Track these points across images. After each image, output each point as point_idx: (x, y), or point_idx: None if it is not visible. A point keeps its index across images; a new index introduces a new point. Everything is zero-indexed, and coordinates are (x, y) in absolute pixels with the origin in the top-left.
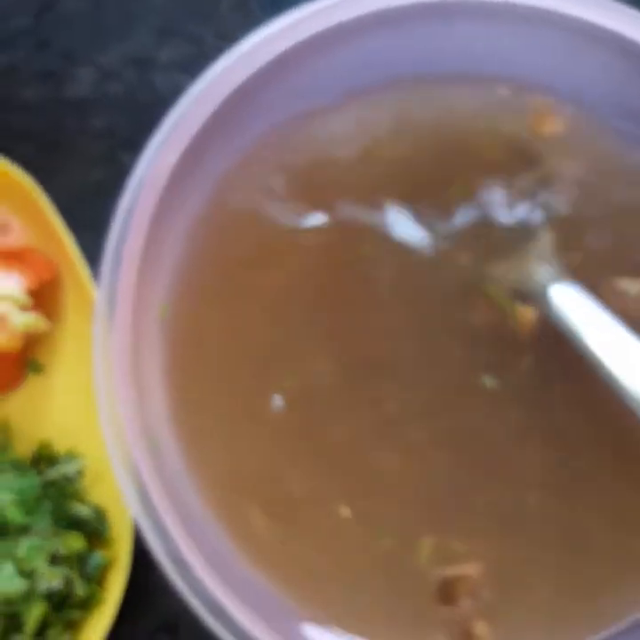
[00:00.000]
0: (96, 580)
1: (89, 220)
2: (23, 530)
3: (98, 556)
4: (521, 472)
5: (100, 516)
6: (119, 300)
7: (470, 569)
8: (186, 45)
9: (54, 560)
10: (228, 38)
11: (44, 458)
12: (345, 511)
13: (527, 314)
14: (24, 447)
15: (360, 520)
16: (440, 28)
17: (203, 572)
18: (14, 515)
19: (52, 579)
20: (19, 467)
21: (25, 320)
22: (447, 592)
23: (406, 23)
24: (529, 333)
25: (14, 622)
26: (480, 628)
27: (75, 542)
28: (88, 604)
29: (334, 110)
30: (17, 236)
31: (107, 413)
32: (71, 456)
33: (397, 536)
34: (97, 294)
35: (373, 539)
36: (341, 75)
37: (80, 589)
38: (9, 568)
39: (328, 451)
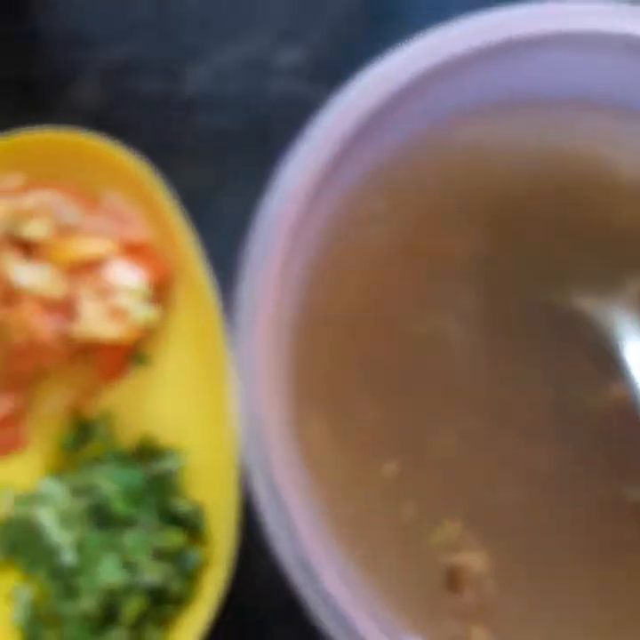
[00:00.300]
0: (192, 576)
1: (194, 220)
2: (127, 522)
3: (195, 553)
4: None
5: (199, 512)
6: (259, 306)
7: (477, 562)
8: (303, 51)
9: (157, 555)
10: (343, 47)
11: (146, 451)
12: (390, 467)
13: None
14: (126, 439)
15: (399, 478)
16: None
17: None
18: (120, 506)
19: (154, 573)
20: (122, 458)
21: (146, 314)
22: (454, 579)
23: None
24: None
25: (112, 614)
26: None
27: (176, 538)
28: (183, 601)
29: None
30: (138, 230)
31: (246, 415)
32: (174, 450)
33: (424, 509)
34: (238, 299)
35: (401, 502)
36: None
37: (177, 586)
38: (112, 559)
39: None
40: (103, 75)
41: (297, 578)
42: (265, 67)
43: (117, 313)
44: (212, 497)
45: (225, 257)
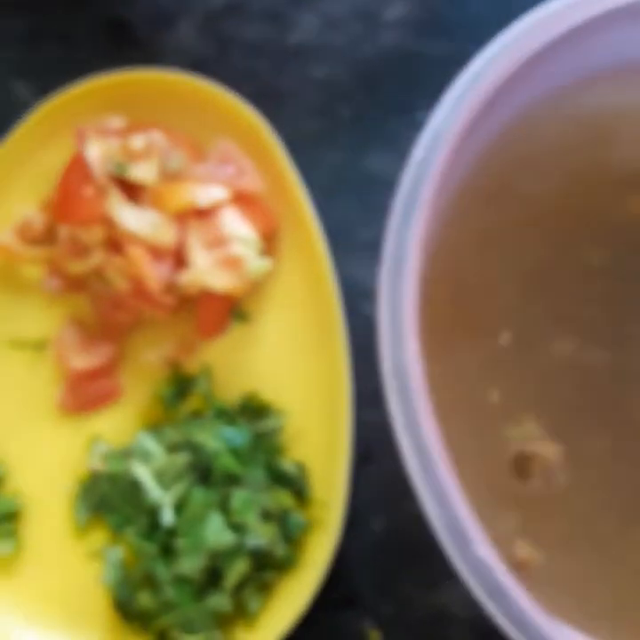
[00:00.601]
0: (295, 541)
1: (300, 169)
2: (234, 481)
3: (299, 517)
4: None
5: (303, 473)
6: (409, 253)
7: (550, 452)
8: (413, 5)
9: (264, 516)
10: (451, 5)
11: (249, 408)
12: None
13: None
14: (226, 395)
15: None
16: None
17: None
18: (229, 463)
19: (260, 535)
20: (224, 415)
21: (260, 265)
22: (523, 466)
23: None
24: None
25: (214, 577)
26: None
27: (285, 499)
28: (286, 567)
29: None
30: (252, 179)
31: (391, 367)
32: (277, 409)
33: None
34: (385, 246)
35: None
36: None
37: (280, 549)
38: (218, 519)
39: None
40: (205, 18)
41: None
42: (373, 18)
43: (230, 263)
44: (315, 458)
45: (326, 210)
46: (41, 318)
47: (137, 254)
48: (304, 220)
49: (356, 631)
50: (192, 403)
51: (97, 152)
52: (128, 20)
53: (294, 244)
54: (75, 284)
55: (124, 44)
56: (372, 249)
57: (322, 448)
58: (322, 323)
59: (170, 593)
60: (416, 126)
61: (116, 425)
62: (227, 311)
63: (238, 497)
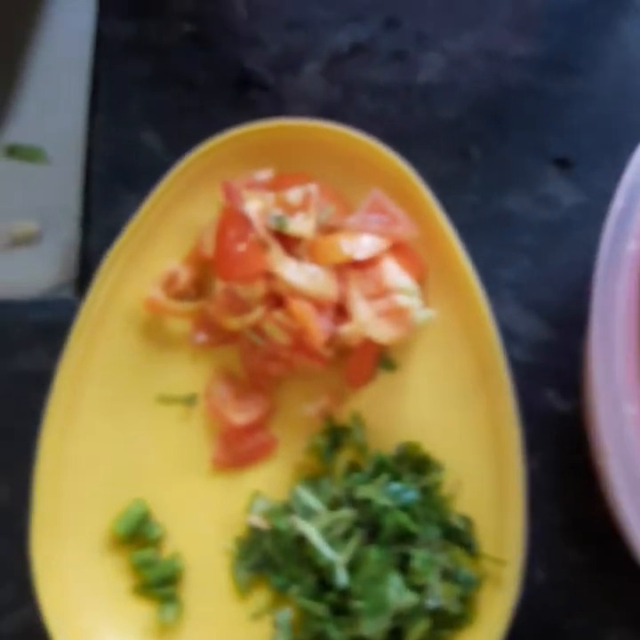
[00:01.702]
0: (467, 598)
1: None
2: (408, 539)
3: (470, 573)
4: None
5: (471, 528)
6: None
7: None
8: (538, 43)
9: (442, 575)
10: (576, 39)
11: (408, 460)
12: None
13: None
14: (377, 446)
15: None
16: None
17: None
18: (404, 521)
19: (443, 595)
20: (384, 468)
21: (425, 315)
22: None
23: None
24: None
25: (395, 638)
26: None
27: (460, 557)
28: (460, 625)
29: None
30: (405, 227)
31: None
32: (437, 461)
33: None
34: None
35: None
36: None
37: (455, 608)
38: (397, 580)
39: None
40: (331, 61)
41: None
42: (497, 55)
43: (394, 314)
44: (479, 510)
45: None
46: (188, 373)
47: (303, 309)
48: (456, 263)
49: None
50: (347, 454)
51: (256, 207)
52: (254, 66)
53: (443, 289)
54: (223, 338)
55: (252, 89)
56: (515, 289)
57: (486, 499)
58: (479, 367)
59: None
60: (550, 165)
61: (271, 480)
62: (376, 360)
63: (419, 557)
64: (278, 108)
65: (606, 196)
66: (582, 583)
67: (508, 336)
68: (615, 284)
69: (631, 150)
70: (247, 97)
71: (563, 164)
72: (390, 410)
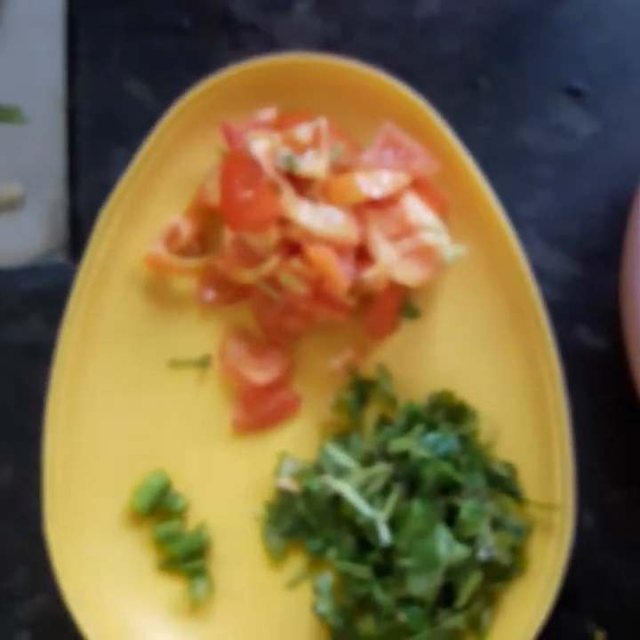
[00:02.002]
0: (517, 548)
1: None
2: (453, 490)
3: (520, 522)
4: None
5: (515, 475)
6: None
7: None
8: None
9: (492, 525)
10: None
11: (442, 410)
12: None
13: None
14: (406, 398)
15: None
16: None
17: None
18: (447, 471)
19: (497, 545)
20: (418, 419)
21: (455, 252)
22: None
23: None
24: None
25: (444, 594)
26: None
27: (508, 505)
28: (511, 576)
29: None
30: (424, 161)
31: None
32: (473, 408)
33: None
34: None
35: None
36: None
37: (506, 559)
38: (445, 533)
39: None
40: None
41: None
42: None
43: (422, 253)
44: (523, 457)
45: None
46: (199, 333)
47: (322, 254)
48: (480, 198)
49: (579, 633)
50: (375, 409)
51: (263, 146)
52: (239, 7)
53: (466, 226)
54: (234, 294)
55: (241, 32)
56: (537, 224)
57: (528, 444)
58: (510, 305)
59: (401, 617)
60: (562, 94)
61: (298, 440)
62: (399, 308)
63: (466, 507)
64: (271, 50)
65: (622, 124)
66: (632, 523)
67: (535, 273)
68: None
69: None
70: (236, 40)
71: (575, 92)
72: (418, 359)
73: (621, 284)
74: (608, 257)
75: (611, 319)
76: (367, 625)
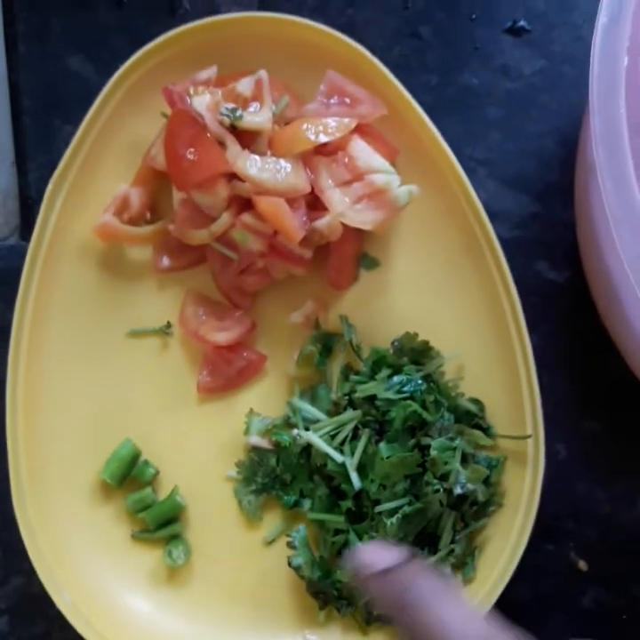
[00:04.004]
0: (492, 483)
1: None
2: (421, 429)
3: (489, 455)
4: None
5: (483, 409)
6: None
7: None
8: None
9: (463, 460)
10: None
11: (405, 352)
12: None
13: None
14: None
15: None
16: None
17: None
18: (416, 409)
19: (470, 479)
20: (382, 364)
21: (407, 191)
22: None
23: None
24: None
25: (423, 537)
26: None
27: (479, 439)
28: (489, 512)
29: None
30: (370, 106)
31: None
32: (433, 349)
33: None
34: None
35: None
36: None
37: (481, 494)
38: (417, 474)
39: None
40: None
41: None
42: None
43: (374, 196)
44: (489, 393)
45: None
46: (157, 302)
47: (274, 205)
48: (429, 141)
49: (562, 563)
50: (339, 360)
51: (205, 101)
52: None
53: (415, 171)
54: (190, 260)
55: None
56: (488, 166)
57: (494, 380)
58: (466, 246)
59: None
60: (504, 34)
61: (265, 397)
62: (356, 259)
63: (436, 445)
64: (212, 14)
65: (566, 59)
66: (609, 453)
67: (490, 214)
68: (614, 103)
69: (585, 9)
70: (178, 8)
71: (516, 31)
72: (379, 308)
73: (576, 215)
74: (562, 192)
75: (569, 253)
76: (345, 573)
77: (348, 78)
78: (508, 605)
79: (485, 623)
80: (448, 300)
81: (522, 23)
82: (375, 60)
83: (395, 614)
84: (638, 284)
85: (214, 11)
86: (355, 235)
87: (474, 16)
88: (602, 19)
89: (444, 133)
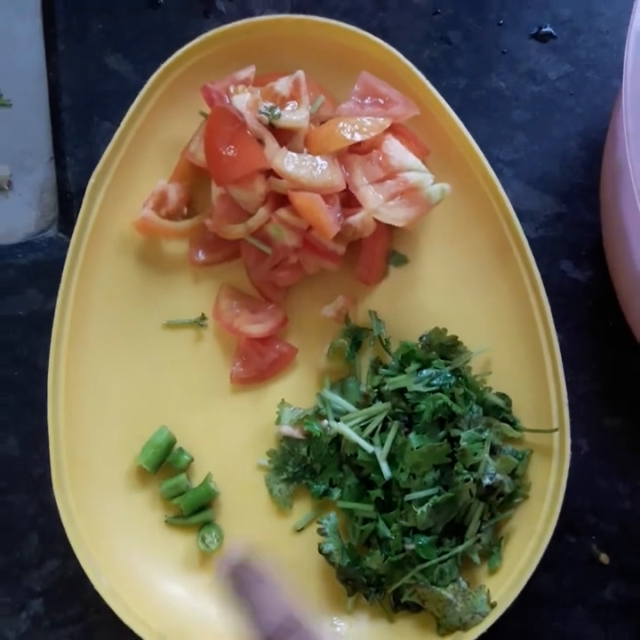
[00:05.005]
0: (519, 475)
1: None
2: (450, 422)
3: (519, 449)
4: None
5: (510, 404)
6: None
7: None
8: None
9: (492, 452)
10: None
11: (435, 347)
12: None
13: None
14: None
15: None
16: None
17: None
18: (446, 401)
19: (498, 470)
20: (411, 358)
21: (440, 189)
22: None
23: None
24: None
25: (451, 524)
26: None
27: (508, 431)
28: (515, 503)
29: None
30: (404, 106)
31: None
32: (461, 344)
33: None
34: None
35: None
36: None
37: (508, 486)
38: (448, 465)
39: None
40: None
41: None
42: None
43: (407, 193)
44: (517, 387)
45: None
46: (193, 295)
47: (310, 201)
48: (459, 141)
49: (584, 556)
50: (369, 354)
51: (245, 99)
52: None
53: (446, 170)
54: (225, 254)
55: (217, 1)
56: (516, 166)
57: (522, 376)
58: (494, 245)
59: (409, 546)
60: (530, 39)
61: (296, 389)
62: (386, 256)
63: (465, 437)
64: (246, 16)
65: (591, 64)
66: (631, 448)
67: (516, 214)
68: None
69: (610, 16)
70: (212, 10)
71: (543, 37)
72: (408, 304)
73: (602, 216)
74: (586, 193)
75: (593, 252)
76: (374, 560)
77: (382, 79)
78: (531, 596)
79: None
80: (476, 298)
81: (548, 29)
82: (408, 63)
83: (233, 595)
84: None
85: (248, 13)
86: (386, 232)
87: (501, 22)
88: (636, 23)
89: (472, 135)
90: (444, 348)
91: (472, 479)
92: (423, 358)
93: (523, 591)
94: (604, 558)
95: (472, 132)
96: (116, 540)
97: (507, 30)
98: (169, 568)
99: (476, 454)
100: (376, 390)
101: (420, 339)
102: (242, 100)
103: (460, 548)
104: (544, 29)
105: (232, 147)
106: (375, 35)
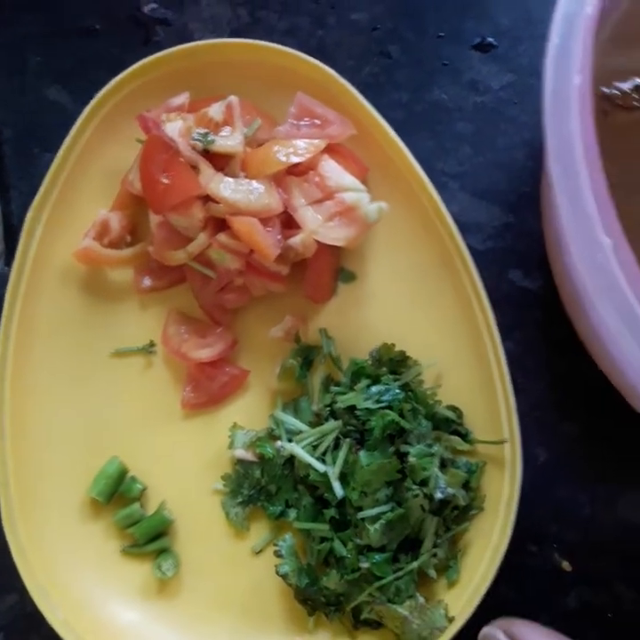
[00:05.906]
0: (472, 488)
1: None
2: (399, 437)
3: (467, 460)
4: None
5: (461, 416)
6: None
7: None
8: None
9: (442, 465)
10: None
11: (384, 362)
12: None
13: None
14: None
15: None
16: None
17: None
18: (394, 417)
19: (449, 484)
20: (361, 375)
21: (377, 208)
22: None
23: None
24: None
25: (405, 541)
26: None
27: (457, 444)
28: (470, 515)
29: None
30: (340, 126)
31: None
32: (409, 358)
33: None
34: None
35: None
36: None
37: (461, 499)
38: (398, 482)
39: None
40: None
41: None
42: None
43: (345, 213)
44: (466, 399)
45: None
46: (140, 322)
47: (247, 225)
48: (398, 158)
49: (546, 565)
50: (320, 372)
51: (177, 127)
52: (149, 3)
53: (386, 188)
54: (170, 280)
55: (155, 27)
56: (460, 179)
57: (471, 388)
58: (438, 259)
59: (364, 564)
60: (471, 50)
61: (248, 411)
62: (333, 274)
63: (414, 452)
64: (186, 41)
65: (533, 71)
66: (589, 456)
67: (463, 226)
68: (567, 122)
69: (550, 22)
70: (151, 37)
71: (484, 47)
72: (357, 320)
73: (544, 226)
74: (534, 202)
75: (542, 262)
76: (331, 580)
77: (319, 99)
78: (495, 607)
79: None
80: (424, 311)
81: (489, 39)
82: (343, 81)
83: None
84: (595, 293)
85: (187, 39)
86: (330, 250)
87: (442, 34)
88: (553, 39)
89: (415, 149)
90: (393, 363)
91: (423, 494)
92: (373, 374)
93: (486, 603)
94: (566, 566)
95: (415, 145)
96: (71, 572)
97: (447, 42)
98: (126, 597)
99: (425, 469)
100: (328, 408)
101: (370, 354)
102: (174, 128)
103: (415, 564)
104: (485, 40)
105: (167, 174)
106: (314, 53)
